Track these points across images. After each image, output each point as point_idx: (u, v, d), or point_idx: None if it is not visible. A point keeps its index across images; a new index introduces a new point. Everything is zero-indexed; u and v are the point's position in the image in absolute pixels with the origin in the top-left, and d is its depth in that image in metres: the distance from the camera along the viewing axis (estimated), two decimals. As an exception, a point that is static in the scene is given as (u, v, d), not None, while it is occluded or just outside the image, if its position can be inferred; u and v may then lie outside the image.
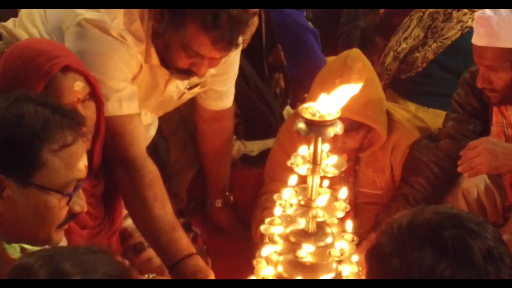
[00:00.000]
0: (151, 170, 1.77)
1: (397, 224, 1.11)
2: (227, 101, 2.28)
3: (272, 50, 2.81)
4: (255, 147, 2.65)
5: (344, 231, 1.63)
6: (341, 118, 2.05)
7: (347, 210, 1.57)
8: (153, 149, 2.40)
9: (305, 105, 1.50)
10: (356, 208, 2.28)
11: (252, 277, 1.56)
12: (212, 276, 1.72)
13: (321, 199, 1.55)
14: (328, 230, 1.62)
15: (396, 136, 2.22)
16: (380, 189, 2.27)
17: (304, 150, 1.55)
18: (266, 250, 1.58)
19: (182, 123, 2.54)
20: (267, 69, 2.80)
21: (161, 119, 2.49)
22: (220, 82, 2.18)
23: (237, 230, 2.38)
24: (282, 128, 2.38)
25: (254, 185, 2.43)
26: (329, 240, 1.60)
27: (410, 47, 2.85)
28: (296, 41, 2.91)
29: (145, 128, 2.29)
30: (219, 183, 2.46)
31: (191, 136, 2.50)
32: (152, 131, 2.36)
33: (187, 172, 2.58)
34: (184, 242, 1.69)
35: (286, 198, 1.56)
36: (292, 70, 2.89)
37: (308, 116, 1.47)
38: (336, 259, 1.55)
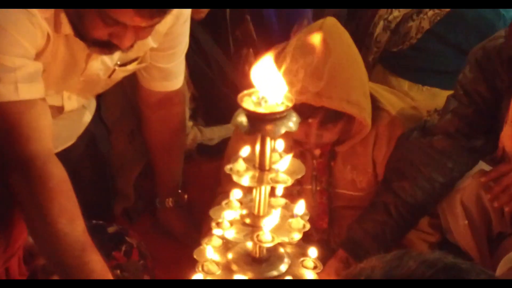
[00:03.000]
0: (56, 174, 1.42)
1: (365, 278, 0.75)
2: (176, 81, 1.95)
3: (239, 22, 2.49)
4: (215, 134, 2.35)
5: (304, 254, 1.29)
6: (317, 108, 1.74)
7: (306, 229, 1.22)
8: (90, 139, 2.12)
9: (246, 91, 1.14)
10: (331, 214, 1.92)
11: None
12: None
13: (271, 217, 1.20)
14: (283, 252, 1.28)
15: (381, 127, 1.86)
16: (360, 190, 1.91)
17: (247, 150, 1.20)
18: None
19: (128, 107, 2.21)
20: (233, 44, 2.48)
21: (102, 103, 2.17)
22: (164, 58, 1.84)
23: (191, 237, 2.04)
24: (241, 114, 2.02)
25: (213, 181, 2.11)
26: (283, 267, 1.26)
27: (403, 15, 2.56)
28: None
29: (78, 115, 1.96)
30: (170, 180, 2.15)
31: (139, 123, 2.17)
32: (87, 117, 2.05)
33: (134, 165, 2.30)
34: (96, 267, 1.36)
35: (227, 218, 1.22)
36: (279, 34, 2.55)
37: (251, 107, 1.12)
38: (292, 294, 1.21)
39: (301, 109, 1.69)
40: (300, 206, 1.24)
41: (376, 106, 1.85)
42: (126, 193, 2.26)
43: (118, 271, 1.63)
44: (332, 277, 1.77)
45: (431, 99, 2.52)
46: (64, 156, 1.91)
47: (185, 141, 2.23)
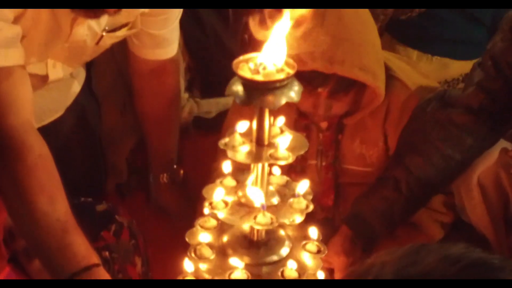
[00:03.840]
0: (35, 148, 1.31)
1: (374, 276, 0.64)
2: (169, 49, 1.84)
3: (239, -13, 2.37)
4: (212, 107, 2.24)
5: (306, 237, 1.19)
6: (327, 75, 1.61)
7: (309, 210, 1.12)
8: (80, 112, 2.01)
9: (243, 57, 1.04)
10: (337, 191, 1.81)
11: None
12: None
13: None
14: (283, 235, 1.19)
15: (393, 97, 1.72)
16: (369, 166, 1.79)
17: (244, 125, 1.10)
18: (189, 265, 1.15)
19: (120, 78, 2.11)
20: (232, 12, 2.37)
21: (93, 74, 2.06)
22: (157, 24, 1.74)
23: (187, 214, 1.94)
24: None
25: (210, 156, 2.00)
26: (284, 252, 1.16)
27: (412, -20, 2.41)
28: None
29: (65, 85, 1.86)
30: (164, 155, 2.04)
31: (131, 94, 2.06)
32: (75, 87, 1.94)
33: (127, 139, 2.19)
34: (79, 249, 1.27)
35: (222, 197, 1.12)
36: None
37: (247, 74, 1.01)
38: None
39: (311, 77, 1.58)
40: (303, 185, 1.14)
41: (388, 74, 1.72)
42: (118, 168, 2.16)
43: (107, 253, 1.53)
44: (340, 255, 1.67)
45: (440, 70, 2.40)
46: (52, 129, 1.83)
47: (180, 113, 2.12)
